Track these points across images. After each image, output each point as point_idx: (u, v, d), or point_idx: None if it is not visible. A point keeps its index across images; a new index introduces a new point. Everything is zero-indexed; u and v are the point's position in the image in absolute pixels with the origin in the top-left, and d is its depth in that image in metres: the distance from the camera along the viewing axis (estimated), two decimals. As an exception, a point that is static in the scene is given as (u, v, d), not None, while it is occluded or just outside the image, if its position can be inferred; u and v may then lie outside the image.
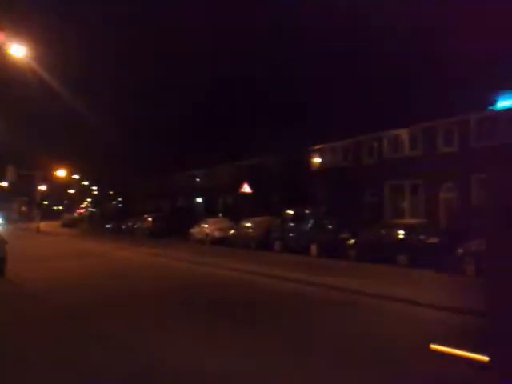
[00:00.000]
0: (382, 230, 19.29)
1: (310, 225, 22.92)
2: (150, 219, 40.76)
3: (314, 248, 21.60)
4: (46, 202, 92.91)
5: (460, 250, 15.19)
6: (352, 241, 19.75)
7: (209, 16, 37.82)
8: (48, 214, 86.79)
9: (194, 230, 32.30)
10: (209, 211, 41.10)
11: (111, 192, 77.42)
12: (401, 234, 18.27)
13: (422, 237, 17.82)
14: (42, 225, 58.84)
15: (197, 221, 33.58)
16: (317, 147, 32.64)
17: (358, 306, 11.12)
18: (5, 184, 70.31)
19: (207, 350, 7.75)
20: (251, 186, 29.73)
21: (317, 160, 33.07)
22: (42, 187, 71.54)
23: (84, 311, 11.01)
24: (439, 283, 13.54)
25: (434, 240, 17.45)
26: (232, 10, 35.29)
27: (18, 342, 8.39)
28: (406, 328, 9.14)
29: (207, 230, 30.75)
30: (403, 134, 27.14)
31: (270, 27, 34.97)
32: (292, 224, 23.88)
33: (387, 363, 7.07)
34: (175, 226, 37.14)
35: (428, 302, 10.76)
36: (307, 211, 23.80)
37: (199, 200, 47.60)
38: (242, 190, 29.77)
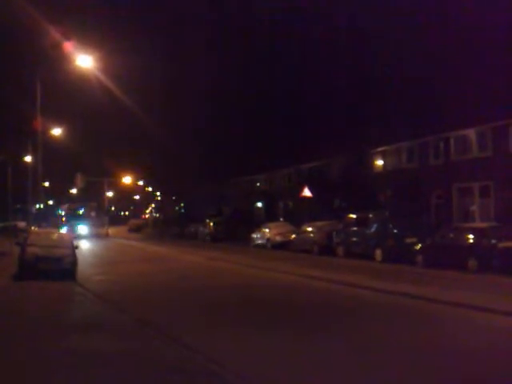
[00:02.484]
0: (451, 234, 18.51)
1: (373, 229, 22.34)
2: (211, 224, 41.24)
3: (378, 253, 21.03)
4: (113, 208, 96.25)
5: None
6: (419, 245, 19.07)
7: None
8: (115, 220, 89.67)
9: (255, 235, 32.33)
10: (269, 215, 41.07)
11: (174, 197, 79.09)
12: (471, 238, 17.46)
13: (493, 241, 16.95)
14: (111, 230, 60.82)
15: (257, 225, 33.59)
16: (380, 149, 31.90)
17: (434, 316, 10.58)
18: (74, 191, 73.17)
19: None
20: (312, 190, 29.42)
21: (380, 162, 32.31)
22: (109, 193, 74.10)
23: (149, 314, 11.15)
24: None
25: (506, 244, 16.53)
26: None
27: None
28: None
29: (268, 235, 30.68)
30: (471, 134, 26.03)
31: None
32: (355, 228, 23.38)
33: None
34: (236, 231, 37.36)
35: (504, 310, 10.16)
36: (371, 215, 23.22)
37: (259, 204, 47.70)
38: (303, 193, 29.51)
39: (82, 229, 52.43)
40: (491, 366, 7.08)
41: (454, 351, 7.81)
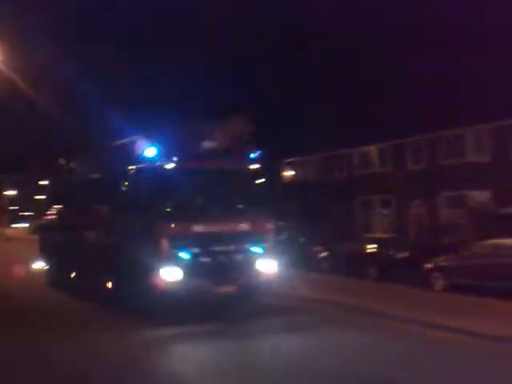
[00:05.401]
0: (354, 244, 19.71)
1: (283, 237, 22.95)
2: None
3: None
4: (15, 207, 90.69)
5: (429, 265, 15.54)
6: (324, 254, 20.05)
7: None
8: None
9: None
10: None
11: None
12: (372, 248, 18.71)
13: (391, 251, 18.31)
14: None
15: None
16: (289, 160, 32.74)
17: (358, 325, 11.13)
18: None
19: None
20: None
21: (289, 173, 33.09)
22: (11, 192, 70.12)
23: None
24: (407, 297, 13.73)
25: (403, 255, 17.89)
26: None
27: None
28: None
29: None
30: (373, 150, 27.64)
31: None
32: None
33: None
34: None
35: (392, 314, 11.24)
36: (281, 223, 23.83)
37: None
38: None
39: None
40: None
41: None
